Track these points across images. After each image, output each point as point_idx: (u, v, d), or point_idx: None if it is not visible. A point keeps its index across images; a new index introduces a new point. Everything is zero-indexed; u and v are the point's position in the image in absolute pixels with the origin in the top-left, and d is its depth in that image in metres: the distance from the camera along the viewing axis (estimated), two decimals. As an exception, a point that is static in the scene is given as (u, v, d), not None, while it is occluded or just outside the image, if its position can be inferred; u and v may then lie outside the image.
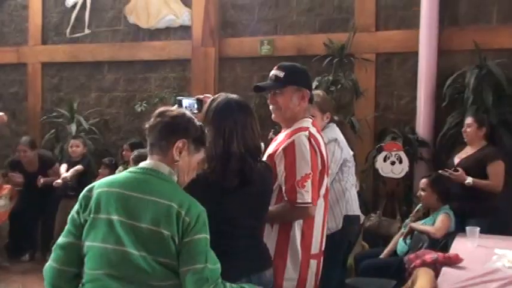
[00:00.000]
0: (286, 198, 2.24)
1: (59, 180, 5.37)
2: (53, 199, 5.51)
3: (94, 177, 5.47)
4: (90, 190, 1.80)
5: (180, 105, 2.35)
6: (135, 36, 6.07)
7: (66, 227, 1.81)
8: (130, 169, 1.86)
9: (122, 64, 6.15)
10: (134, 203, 1.73)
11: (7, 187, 5.60)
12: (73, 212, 1.81)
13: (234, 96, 2.19)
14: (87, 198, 1.78)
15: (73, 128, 5.95)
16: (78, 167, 5.42)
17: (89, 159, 5.56)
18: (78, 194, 5.12)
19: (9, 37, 6.64)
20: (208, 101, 2.21)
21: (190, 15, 5.74)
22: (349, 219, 3.27)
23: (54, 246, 1.80)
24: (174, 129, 1.84)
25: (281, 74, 2.43)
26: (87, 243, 1.74)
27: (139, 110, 5.91)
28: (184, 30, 5.84)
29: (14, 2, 6.60)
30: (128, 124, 6.15)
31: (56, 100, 6.46)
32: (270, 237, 2.26)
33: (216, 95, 2.21)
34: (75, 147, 5.49)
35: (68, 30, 6.33)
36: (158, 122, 1.84)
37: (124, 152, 5.42)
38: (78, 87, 6.38)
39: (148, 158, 1.87)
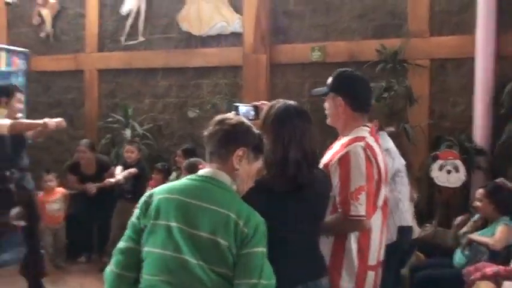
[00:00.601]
0: (339, 210, 2.24)
1: (112, 180, 5.53)
2: (109, 202, 5.68)
3: (148, 181, 5.61)
4: (150, 196, 1.83)
5: (237, 111, 2.38)
6: (188, 43, 6.17)
7: (126, 232, 1.85)
8: (190, 176, 1.89)
9: (174, 71, 6.26)
10: (193, 210, 1.75)
11: (60, 191, 5.81)
12: (133, 217, 1.85)
13: (292, 102, 2.19)
14: (147, 204, 1.82)
15: (128, 133, 6.11)
16: (132, 169, 5.56)
17: (143, 164, 5.70)
18: (134, 197, 5.27)
19: (67, 45, 6.87)
20: (266, 107, 2.23)
21: (242, 22, 5.79)
22: (402, 230, 3.22)
23: (115, 250, 1.85)
24: (234, 137, 1.85)
25: (329, 80, 2.45)
26: (146, 249, 1.77)
27: (191, 116, 6.00)
28: (235, 37, 5.90)
29: (72, 11, 6.82)
30: (181, 130, 6.25)
31: (111, 106, 6.64)
32: (325, 247, 2.26)
33: (274, 102, 2.22)
34: (130, 152, 5.64)
35: (123, 38, 6.50)
36: (217, 130, 1.86)
37: (177, 158, 5.52)
38: (132, 94, 6.54)
39: (207, 165, 1.89)
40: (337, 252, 2.29)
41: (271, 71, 5.72)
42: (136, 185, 5.59)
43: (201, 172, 1.88)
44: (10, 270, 5.07)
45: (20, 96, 4.49)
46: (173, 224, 1.74)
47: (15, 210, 4.40)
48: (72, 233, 5.85)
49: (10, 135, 4.25)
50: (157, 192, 1.84)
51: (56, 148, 6.87)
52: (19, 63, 5.76)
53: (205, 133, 1.90)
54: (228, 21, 5.90)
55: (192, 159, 4.85)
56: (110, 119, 6.37)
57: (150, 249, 1.76)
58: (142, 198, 1.85)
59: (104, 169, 5.80)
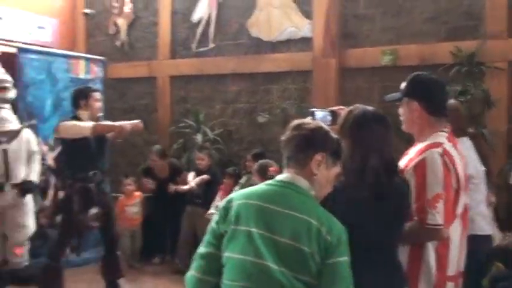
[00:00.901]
0: (415, 218, 2.19)
1: (185, 187, 5.68)
2: (181, 206, 5.83)
3: (218, 186, 5.71)
4: (229, 202, 1.84)
5: (313, 116, 2.37)
6: (258, 48, 6.22)
7: (206, 238, 1.86)
8: (268, 182, 1.89)
9: (244, 76, 6.34)
10: (273, 216, 1.75)
11: (138, 194, 6.02)
12: (213, 222, 1.86)
13: (371, 108, 2.17)
14: (227, 209, 1.82)
15: (199, 138, 6.24)
16: (204, 176, 5.68)
17: (214, 170, 5.82)
18: (204, 202, 5.39)
19: (141, 52, 7.11)
20: (344, 112, 2.21)
21: (311, 26, 5.78)
22: (476, 239, 3.10)
23: (195, 255, 1.87)
24: (312, 142, 1.84)
25: (403, 85, 2.41)
26: (227, 254, 1.77)
27: (261, 121, 6.05)
28: (305, 42, 5.89)
29: (146, 20, 7.06)
30: (250, 135, 6.31)
31: (183, 111, 6.81)
32: (401, 255, 2.20)
33: (352, 107, 2.20)
34: (201, 160, 5.78)
35: (194, 45, 6.65)
36: (295, 135, 1.86)
37: (247, 163, 5.58)
38: (203, 99, 6.67)
39: (284, 170, 1.89)
40: (414, 261, 2.24)
41: (340, 76, 5.68)
42: (207, 191, 5.71)
43: (279, 177, 1.88)
44: (90, 268, 5.31)
45: (96, 95, 4.67)
46: (253, 229, 1.74)
47: (93, 211, 4.59)
48: (147, 235, 6.04)
49: (94, 137, 4.47)
50: (236, 197, 1.85)
51: (130, 151, 7.11)
52: (97, 71, 6.01)
53: (283, 138, 1.90)
54: (298, 26, 5.91)
55: (262, 161, 4.90)
56: (181, 124, 6.52)
57: (231, 255, 1.76)
58: (222, 204, 1.86)
59: (177, 173, 5.97)
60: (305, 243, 1.71)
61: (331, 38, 5.62)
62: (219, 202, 5.40)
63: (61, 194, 5.13)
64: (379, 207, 1.99)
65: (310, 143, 1.84)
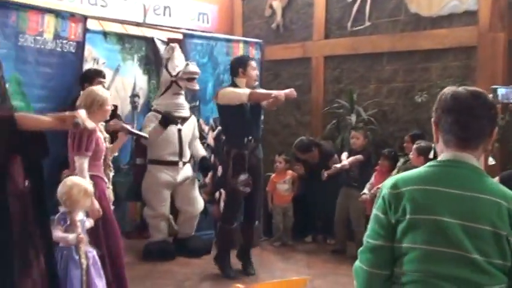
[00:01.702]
0: None
1: (338, 165, 5.65)
2: (333, 187, 5.83)
3: (373, 168, 5.60)
4: (396, 187, 1.72)
5: (495, 93, 2.22)
6: (416, 25, 5.93)
7: (373, 228, 1.76)
8: (434, 163, 1.77)
9: (401, 54, 6.10)
10: (460, 201, 1.65)
11: (290, 173, 6.13)
12: (378, 212, 1.75)
13: None
14: (395, 197, 1.71)
15: (353, 118, 6.15)
16: (359, 156, 5.60)
17: (369, 150, 5.70)
18: (360, 185, 5.33)
19: (296, 34, 7.16)
20: None
21: (477, -1, 5.37)
22: None
23: (362, 249, 1.78)
24: (494, 119, 1.76)
25: None
26: (406, 245, 1.68)
27: (419, 100, 5.79)
28: (469, 16, 5.48)
29: (301, 1, 7.08)
30: (406, 115, 6.07)
31: (337, 91, 6.75)
32: None
33: None
34: (356, 139, 5.69)
35: (349, 24, 6.54)
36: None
37: (405, 144, 5.39)
38: (357, 79, 6.55)
39: (448, 148, 1.76)
40: None
41: (509, 51, 5.20)
42: (362, 173, 5.63)
43: (446, 157, 1.75)
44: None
45: (253, 63, 4.91)
46: (440, 217, 1.64)
47: (243, 177, 4.78)
48: (299, 213, 6.16)
49: (249, 105, 4.67)
50: (405, 182, 1.73)
51: (283, 131, 7.26)
52: (254, 54, 6.19)
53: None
54: (461, -1, 5.52)
55: (423, 143, 4.71)
56: (335, 105, 6.48)
57: (412, 245, 1.67)
58: (385, 190, 1.75)
59: (327, 157, 5.96)
60: (500, 227, 1.62)
61: (500, 9, 5.16)
62: (373, 184, 5.33)
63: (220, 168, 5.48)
64: None
65: (492, 119, 1.74)
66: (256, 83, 4.96)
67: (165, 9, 7.03)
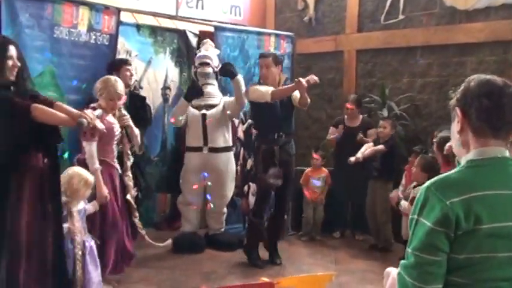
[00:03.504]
0: None
1: (352, 158, 5.58)
2: (360, 179, 5.76)
3: (396, 159, 5.51)
4: (445, 198, 1.60)
5: None
6: (451, 18, 5.81)
7: (422, 242, 1.62)
8: (477, 162, 1.67)
9: (435, 48, 5.99)
10: None
11: (325, 171, 6.08)
12: (431, 224, 1.61)
13: None
14: (452, 209, 1.59)
15: (385, 113, 6.08)
16: (380, 147, 5.53)
17: (394, 141, 5.60)
18: (382, 175, 5.22)
19: (328, 27, 7.10)
20: None
21: (516, -9, 5.22)
22: None
23: (411, 263, 1.65)
24: None
25: None
26: (482, 255, 1.61)
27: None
28: (507, 9, 5.35)
29: (334, -6, 7.03)
30: (440, 110, 5.96)
31: (368, 86, 6.68)
32: None
33: None
34: (383, 128, 5.61)
35: (382, 17, 6.45)
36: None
37: (435, 140, 5.28)
38: (390, 73, 6.46)
39: (482, 140, 1.67)
40: None
41: (549, 45, 5.07)
42: (385, 163, 5.55)
43: (487, 154, 1.67)
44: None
45: (261, 61, 4.94)
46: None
47: (273, 170, 4.78)
48: (329, 208, 6.12)
49: (279, 101, 4.66)
50: (457, 191, 1.62)
51: (313, 126, 7.22)
52: (286, 47, 6.17)
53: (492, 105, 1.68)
54: (500, -9, 5.37)
55: (429, 158, 4.54)
56: (367, 99, 6.41)
57: (490, 254, 1.61)
58: (444, 201, 1.59)
59: (368, 127, 5.96)
60: None
61: (540, 2, 5.02)
62: (404, 185, 5.18)
63: (249, 162, 5.46)
64: None
65: None
66: (283, 78, 4.93)
67: (198, 2, 7.04)
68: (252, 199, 5.68)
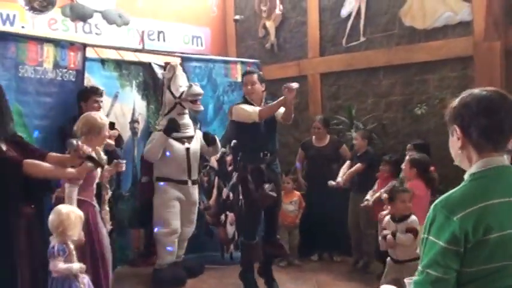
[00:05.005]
0: None
1: (333, 182, 5.67)
2: (336, 202, 5.80)
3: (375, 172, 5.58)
4: (451, 214, 1.63)
5: None
6: (411, 38, 5.98)
7: (433, 259, 1.65)
8: (480, 175, 1.71)
9: (397, 68, 6.14)
10: None
11: (297, 194, 6.09)
12: (440, 242, 1.64)
13: None
14: (458, 225, 1.62)
15: (353, 134, 6.16)
16: (357, 166, 5.62)
17: (369, 155, 5.67)
18: (362, 189, 5.25)
19: (290, 52, 7.21)
20: None
21: (470, 9, 5.42)
22: None
23: (422, 280, 1.67)
24: None
25: None
26: (474, 269, 1.63)
27: (418, 112, 5.81)
28: (463, 26, 5.54)
29: (294, 20, 7.14)
30: (406, 128, 6.10)
31: (334, 108, 6.78)
32: None
33: None
34: (355, 140, 5.71)
35: (344, 40, 6.59)
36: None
37: (407, 152, 5.37)
38: (355, 94, 6.58)
39: (486, 155, 1.72)
40: None
41: (506, 59, 5.25)
42: (366, 178, 5.60)
43: (490, 164, 1.70)
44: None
45: (247, 78, 4.92)
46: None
47: (267, 185, 4.73)
48: (305, 231, 6.10)
49: (263, 120, 4.65)
50: (460, 205, 1.65)
51: (282, 150, 7.19)
52: (252, 74, 6.18)
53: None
54: (454, 10, 5.57)
55: (417, 155, 4.70)
56: (334, 121, 6.49)
57: (486, 267, 1.63)
58: (452, 217, 1.63)
59: (336, 146, 6.11)
60: None
61: (494, 18, 5.22)
62: (375, 190, 5.26)
63: (225, 191, 5.44)
64: None
65: None
66: (257, 94, 4.90)
67: (159, 34, 7.06)
68: (230, 228, 5.66)
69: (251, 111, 4.64)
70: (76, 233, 3.40)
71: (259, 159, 4.74)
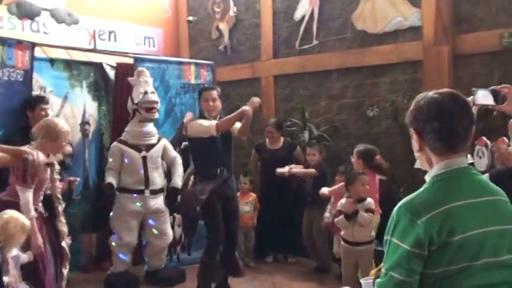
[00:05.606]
0: None
1: (280, 170, 5.73)
2: (291, 203, 5.83)
3: (327, 182, 5.64)
4: (416, 217, 1.63)
5: (475, 96, 2.28)
6: (363, 42, 6.10)
7: (396, 261, 1.64)
8: (440, 177, 1.73)
9: (349, 71, 6.24)
10: (489, 207, 1.70)
11: (253, 195, 6.08)
12: (404, 244, 1.64)
13: None
14: (417, 225, 1.62)
15: (306, 135, 6.23)
16: (311, 170, 5.64)
17: (323, 166, 5.75)
18: (315, 203, 5.31)
19: (244, 55, 7.21)
20: None
21: (420, 14, 5.58)
22: None
23: (385, 282, 1.68)
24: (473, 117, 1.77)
25: None
26: (441, 270, 1.64)
27: (370, 115, 5.93)
28: (413, 31, 5.69)
29: (248, 22, 7.15)
30: (358, 130, 6.20)
31: (288, 110, 6.82)
32: None
33: None
34: (312, 155, 5.74)
35: (297, 43, 6.64)
36: (466, 112, 1.74)
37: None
38: (308, 97, 6.64)
39: (444, 157, 1.75)
40: None
41: (454, 63, 5.43)
42: (316, 188, 5.65)
43: (450, 166, 1.72)
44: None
45: (207, 93, 4.75)
46: (487, 228, 1.66)
47: (200, 188, 4.63)
48: (260, 233, 6.10)
49: (220, 135, 4.57)
50: (425, 208, 1.65)
51: (236, 152, 7.15)
52: (206, 75, 6.14)
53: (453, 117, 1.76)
54: (405, 15, 5.72)
55: (362, 146, 4.87)
56: (288, 123, 6.53)
57: (449, 268, 1.64)
58: (416, 220, 1.62)
59: (291, 148, 6.13)
60: None
61: (443, 24, 5.39)
62: (333, 203, 5.29)
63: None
64: None
65: (471, 119, 1.75)
66: (218, 110, 4.77)
67: (110, 34, 6.91)
68: (177, 230, 5.69)
69: (208, 125, 4.52)
70: (15, 241, 3.27)
71: (216, 175, 4.64)
